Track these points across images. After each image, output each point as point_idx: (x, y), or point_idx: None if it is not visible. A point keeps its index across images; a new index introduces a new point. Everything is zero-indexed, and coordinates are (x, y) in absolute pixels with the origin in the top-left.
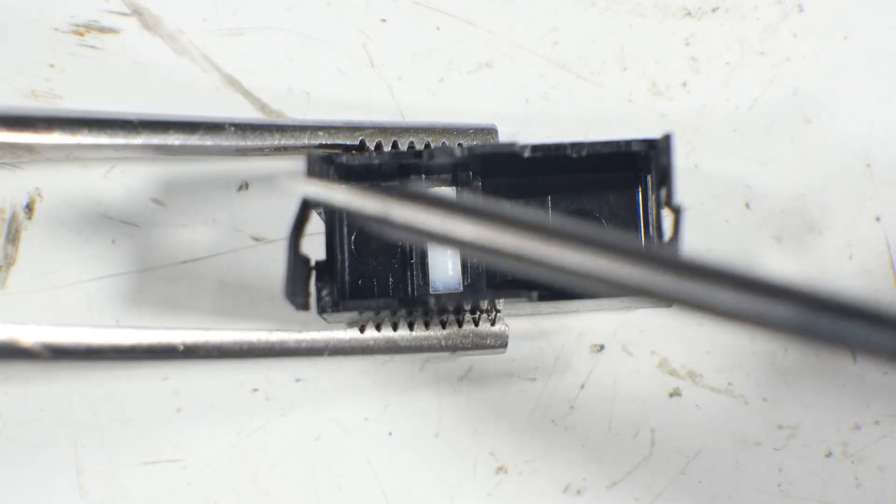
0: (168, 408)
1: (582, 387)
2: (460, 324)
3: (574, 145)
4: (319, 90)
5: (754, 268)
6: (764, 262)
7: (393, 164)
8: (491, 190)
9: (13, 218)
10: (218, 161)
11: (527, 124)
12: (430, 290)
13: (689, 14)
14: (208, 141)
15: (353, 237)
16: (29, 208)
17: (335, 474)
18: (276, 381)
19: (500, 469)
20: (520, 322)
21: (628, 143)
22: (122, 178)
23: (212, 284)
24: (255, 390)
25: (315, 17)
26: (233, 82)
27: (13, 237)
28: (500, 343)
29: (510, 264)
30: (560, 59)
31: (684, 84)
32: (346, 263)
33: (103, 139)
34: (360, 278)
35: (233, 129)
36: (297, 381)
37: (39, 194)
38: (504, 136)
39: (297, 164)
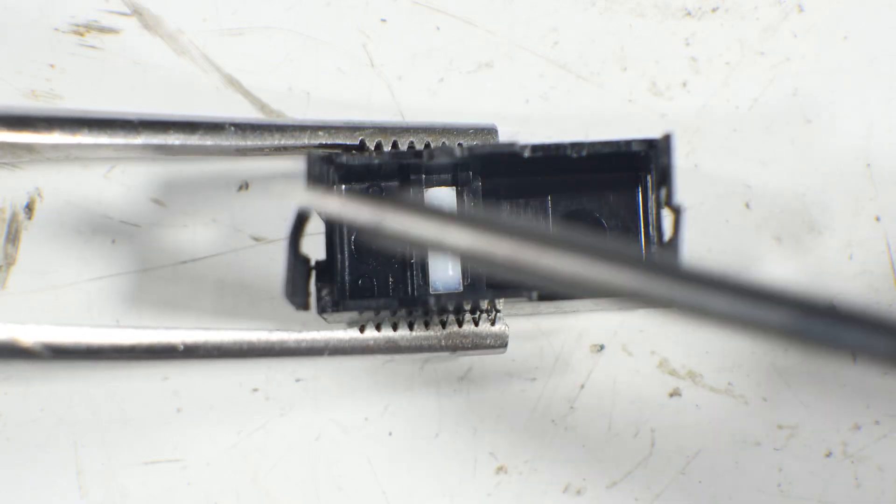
0: (168, 408)
1: (582, 387)
2: (460, 324)
3: (574, 145)
4: (319, 90)
5: (748, 273)
6: (764, 262)
7: (393, 164)
8: (491, 190)
9: (13, 218)
10: (218, 161)
11: (527, 124)
12: (430, 290)
13: (689, 14)
14: (208, 141)
15: (353, 237)
16: (29, 208)
17: (335, 474)
18: (276, 381)
19: (500, 469)
20: (520, 322)
21: (628, 143)
22: (122, 178)
23: (212, 284)
24: (255, 390)
25: (315, 17)
26: (233, 82)
27: (13, 237)
28: (500, 343)
29: (505, 273)
30: (560, 59)
31: (684, 84)
32: (346, 263)
33: (103, 139)
34: (360, 278)
35: (233, 129)
36: (297, 381)
37: (39, 194)
38: (504, 136)
39: (297, 164)
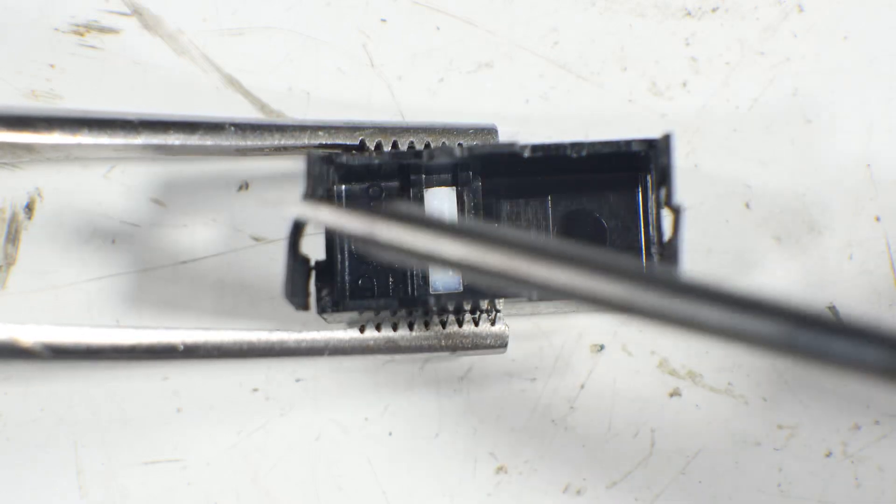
0: (168, 408)
1: (582, 387)
2: (460, 324)
3: (574, 145)
4: (319, 90)
5: (741, 281)
6: (764, 262)
7: (393, 164)
8: (491, 190)
9: (13, 218)
10: (218, 161)
11: (527, 124)
12: (430, 290)
13: (689, 14)
14: (208, 141)
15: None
16: (29, 208)
17: (335, 474)
18: (276, 381)
19: (500, 469)
20: (520, 322)
21: (628, 143)
22: (122, 178)
23: (212, 284)
24: (255, 390)
25: (315, 17)
26: (233, 82)
27: (13, 237)
28: (500, 343)
29: (498, 283)
30: (560, 59)
31: (684, 84)
32: (346, 263)
33: (103, 139)
34: (360, 278)
35: (233, 129)
36: (297, 381)
37: (39, 194)
38: (504, 136)
39: (297, 164)
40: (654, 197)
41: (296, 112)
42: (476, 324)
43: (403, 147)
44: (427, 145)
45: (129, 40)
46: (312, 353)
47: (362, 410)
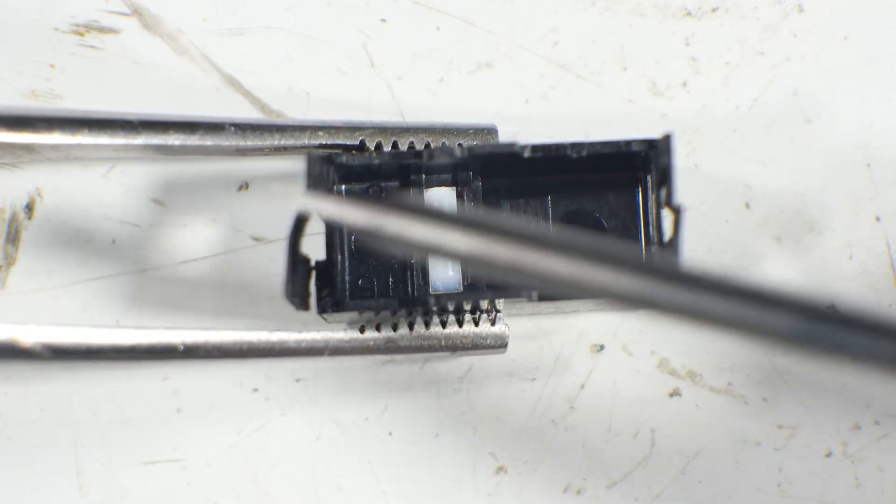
0: (168, 408)
1: (582, 387)
2: (460, 324)
3: (574, 145)
4: (319, 90)
5: (747, 274)
6: (764, 262)
7: (393, 164)
8: (491, 190)
9: (13, 218)
10: (218, 161)
11: (527, 124)
12: (430, 290)
13: (689, 14)
14: (208, 141)
15: (352, 237)
16: (29, 208)
17: (335, 474)
18: (276, 381)
19: (500, 469)
20: (520, 322)
21: (628, 143)
22: (122, 178)
23: (212, 284)
24: (255, 390)
25: (315, 17)
26: (233, 82)
27: (13, 237)
28: (500, 343)
29: (505, 276)
30: (560, 59)
31: (684, 84)
32: (346, 263)
33: (103, 139)
34: (360, 278)
35: (233, 129)
36: (297, 381)
37: (39, 194)
38: (504, 136)
39: (297, 164)
40: (654, 197)
41: (296, 112)
42: (476, 324)
43: (403, 147)
44: (427, 145)
45: (129, 40)
46: (312, 353)
47: (362, 410)
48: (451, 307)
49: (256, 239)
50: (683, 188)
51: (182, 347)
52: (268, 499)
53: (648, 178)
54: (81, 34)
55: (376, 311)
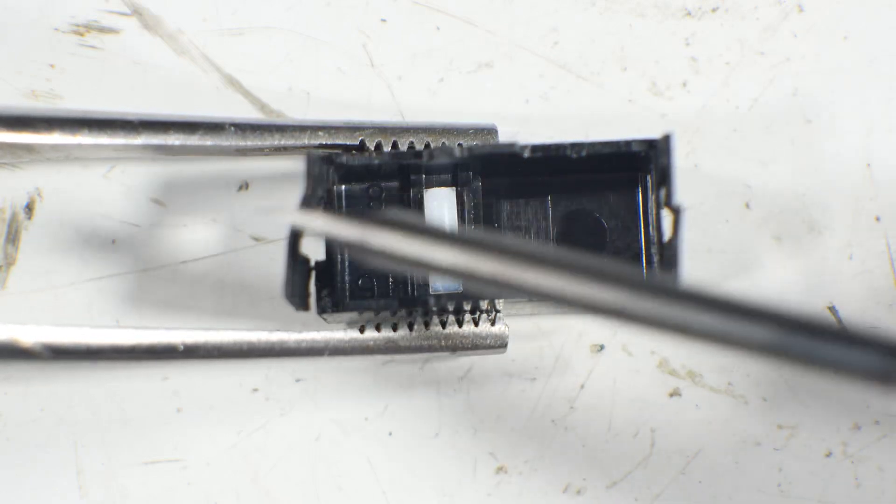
0: (168, 408)
1: (582, 387)
2: (460, 324)
3: (574, 145)
4: (319, 90)
5: (730, 288)
6: (764, 262)
7: (393, 164)
8: (491, 190)
9: (13, 218)
10: (218, 161)
11: (527, 124)
12: (430, 290)
13: (689, 14)
14: (208, 141)
15: None
16: (29, 208)
17: (335, 474)
18: (276, 381)
19: (500, 469)
20: (520, 322)
21: (628, 143)
22: (122, 178)
23: (212, 284)
24: (255, 390)
25: (315, 17)
26: (233, 82)
27: (13, 237)
28: (500, 343)
29: (491, 290)
30: (560, 59)
31: (684, 84)
32: (346, 263)
33: (103, 139)
34: (360, 278)
35: (233, 129)
36: (297, 381)
37: (39, 194)
38: (504, 136)
39: (297, 164)
40: (654, 197)
41: (296, 112)
42: (476, 324)
43: (403, 147)
44: (427, 145)
45: (129, 40)
46: (312, 353)
47: (362, 410)
48: (451, 307)
49: (256, 239)
50: (683, 188)
51: (182, 347)
52: (268, 499)
53: (648, 178)
54: (81, 34)
55: (376, 312)
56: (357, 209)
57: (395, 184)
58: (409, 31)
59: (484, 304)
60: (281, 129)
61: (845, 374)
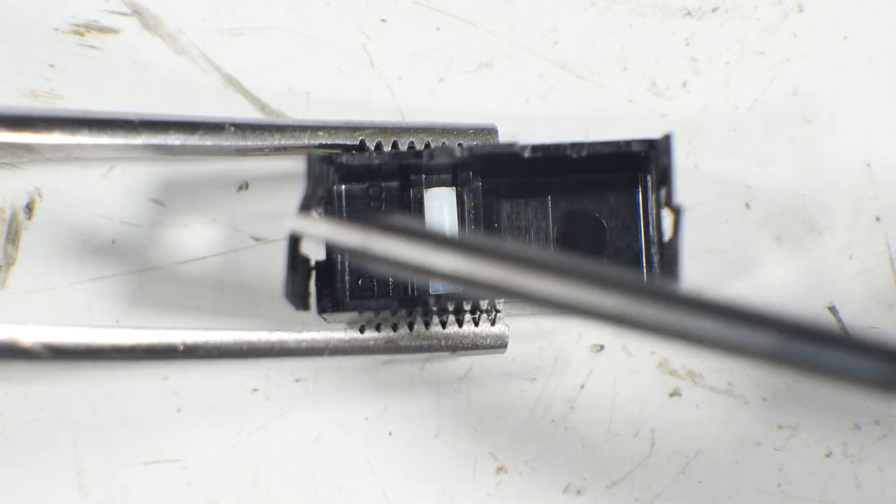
0: (168, 408)
1: (582, 387)
2: (460, 324)
3: (574, 145)
4: (319, 90)
5: (730, 293)
6: (764, 262)
7: (393, 164)
8: (491, 190)
9: (13, 218)
10: (218, 161)
11: (527, 124)
12: (430, 290)
13: (689, 14)
14: (208, 141)
15: None
16: (29, 208)
17: (335, 474)
18: (276, 381)
19: (500, 469)
20: (520, 322)
21: (628, 143)
22: (122, 178)
23: (212, 284)
24: (255, 390)
25: (315, 17)
26: (233, 82)
27: (13, 237)
28: (500, 343)
29: (492, 296)
30: (560, 59)
31: (684, 84)
32: (346, 263)
33: (103, 139)
34: (360, 278)
35: (233, 129)
36: (297, 381)
37: (39, 194)
38: (504, 136)
39: (297, 164)
40: (654, 197)
41: (296, 112)
42: (476, 324)
43: (403, 147)
44: (427, 145)
45: (129, 40)
46: (312, 353)
47: (362, 410)
48: (451, 307)
49: (256, 239)
50: (683, 188)
51: (182, 347)
52: (268, 499)
53: (648, 178)
54: (81, 34)
55: (376, 311)
56: (357, 209)
57: (395, 184)
58: (409, 31)
59: (484, 304)
60: (281, 129)
61: (847, 381)
